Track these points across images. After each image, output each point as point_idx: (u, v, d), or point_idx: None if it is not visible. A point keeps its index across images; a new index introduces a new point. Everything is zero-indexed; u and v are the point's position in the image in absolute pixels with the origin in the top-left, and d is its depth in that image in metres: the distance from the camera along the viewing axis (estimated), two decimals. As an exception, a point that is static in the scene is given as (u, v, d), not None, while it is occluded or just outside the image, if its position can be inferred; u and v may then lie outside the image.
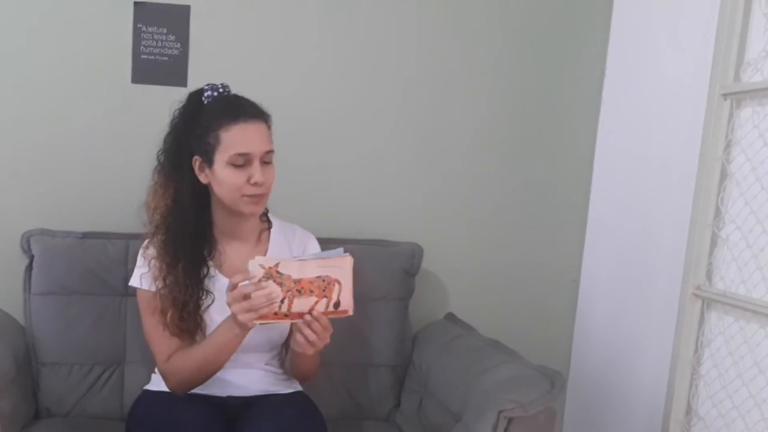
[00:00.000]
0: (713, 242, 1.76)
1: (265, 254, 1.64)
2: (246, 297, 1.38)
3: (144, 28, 1.97)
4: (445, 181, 2.17)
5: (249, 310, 1.37)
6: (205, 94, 1.55)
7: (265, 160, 1.52)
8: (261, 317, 1.38)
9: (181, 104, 1.57)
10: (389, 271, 2.00)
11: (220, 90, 1.56)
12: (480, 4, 2.13)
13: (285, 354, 1.70)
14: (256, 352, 1.61)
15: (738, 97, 1.71)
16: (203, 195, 1.57)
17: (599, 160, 2.21)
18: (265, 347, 1.64)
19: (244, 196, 1.51)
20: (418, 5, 2.10)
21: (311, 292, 1.39)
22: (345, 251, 1.42)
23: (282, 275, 1.37)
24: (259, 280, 1.37)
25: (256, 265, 1.37)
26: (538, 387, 1.56)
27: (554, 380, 1.58)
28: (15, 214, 1.93)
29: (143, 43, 1.97)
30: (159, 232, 1.55)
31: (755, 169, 1.65)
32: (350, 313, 1.42)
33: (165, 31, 1.98)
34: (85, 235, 1.88)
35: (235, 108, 1.52)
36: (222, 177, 1.50)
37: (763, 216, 1.62)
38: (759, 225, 1.63)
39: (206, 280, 1.57)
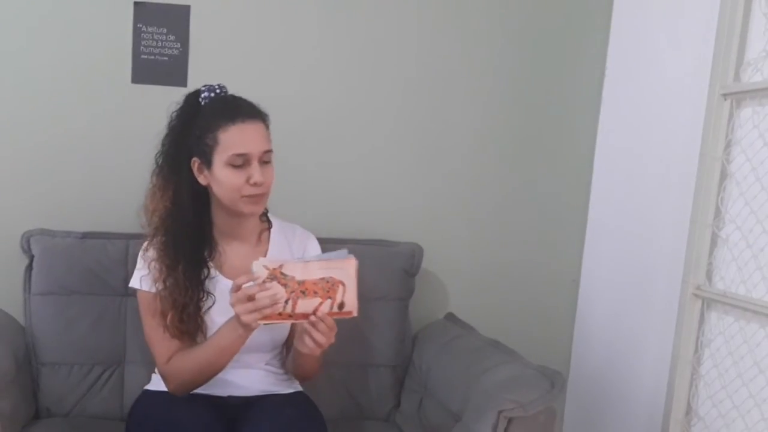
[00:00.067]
0: (713, 242, 1.76)
1: (265, 254, 1.64)
2: (250, 298, 1.37)
3: (144, 28, 1.97)
4: (445, 181, 2.17)
5: (253, 311, 1.37)
6: (202, 95, 1.55)
7: (264, 160, 1.52)
8: (265, 318, 1.38)
9: (178, 106, 1.57)
10: (389, 271, 2.00)
11: (217, 91, 1.55)
12: (480, 4, 2.13)
13: (286, 354, 1.70)
14: (256, 353, 1.61)
15: (738, 97, 1.71)
16: (202, 196, 1.56)
17: (599, 160, 2.21)
18: (266, 347, 1.64)
19: (243, 196, 1.50)
20: (418, 5, 2.10)
21: (315, 293, 1.39)
22: (349, 252, 1.42)
23: (286, 276, 1.38)
24: (263, 281, 1.37)
25: (260, 267, 1.38)
26: (538, 387, 1.56)
27: (554, 380, 1.58)
28: (15, 214, 1.93)
29: (143, 43, 1.97)
30: (158, 234, 1.55)
31: (755, 169, 1.65)
32: (355, 314, 1.42)
33: (165, 31, 1.98)
34: (85, 235, 1.88)
35: (233, 108, 1.51)
36: (221, 178, 1.50)
37: (763, 216, 1.62)
38: (759, 225, 1.63)
39: (207, 282, 1.57)
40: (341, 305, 1.40)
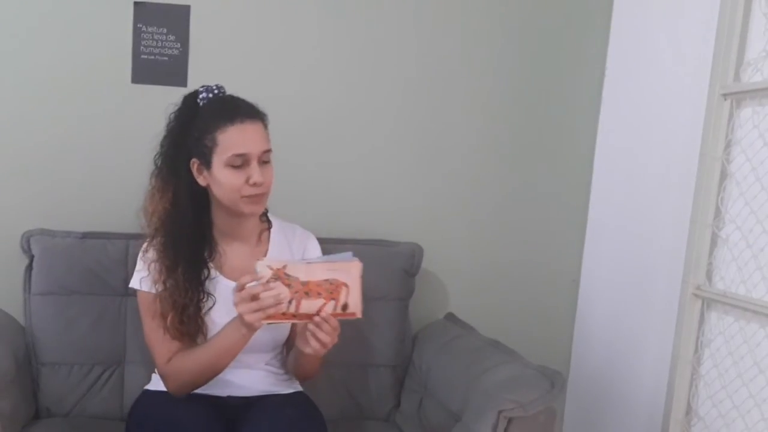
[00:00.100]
0: (713, 242, 1.76)
1: (265, 254, 1.64)
2: (254, 298, 1.37)
3: (144, 28, 1.97)
4: (445, 181, 2.17)
5: (257, 311, 1.37)
6: (200, 96, 1.54)
7: (264, 160, 1.51)
8: (268, 317, 1.38)
9: (176, 107, 1.56)
10: (389, 271, 2.00)
11: (215, 91, 1.55)
12: (480, 4, 2.13)
13: (286, 354, 1.70)
14: (257, 353, 1.61)
15: (738, 97, 1.71)
16: (202, 197, 1.56)
17: (599, 160, 2.21)
18: (266, 347, 1.64)
19: (243, 196, 1.50)
20: (417, 5, 2.10)
21: (319, 294, 1.39)
22: (354, 255, 1.42)
23: (290, 277, 1.38)
24: (267, 281, 1.37)
25: (264, 266, 1.38)
26: (538, 387, 1.56)
27: (554, 380, 1.58)
28: (15, 214, 1.93)
29: (143, 43, 1.97)
30: (158, 236, 1.55)
31: (755, 169, 1.65)
32: (359, 315, 1.42)
33: (165, 31, 1.98)
34: (85, 235, 1.88)
35: (231, 109, 1.51)
36: (221, 179, 1.49)
37: (763, 216, 1.62)
38: (759, 225, 1.63)
39: (207, 282, 1.56)
40: (345, 306, 1.40)
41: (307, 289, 1.38)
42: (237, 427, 1.52)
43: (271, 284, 1.37)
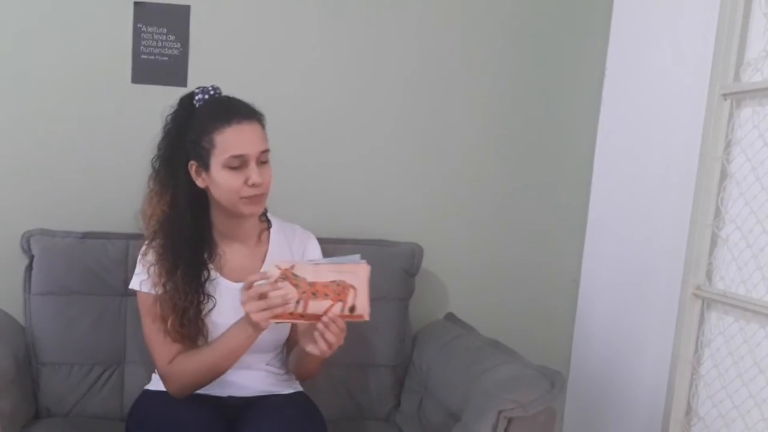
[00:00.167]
0: (713, 242, 1.76)
1: (265, 255, 1.64)
2: (261, 297, 1.38)
3: (144, 28, 1.97)
4: (445, 181, 2.17)
5: (264, 310, 1.37)
6: (196, 98, 1.53)
7: (262, 160, 1.51)
8: (275, 317, 1.39)
9: (172, 109, 1.56)
10: (389, 271, 2.00)
11: (211, 92, 1.54)
12: (480, 4, 2.13)
13: (287, 353, 1.70)
14: (257, 353, 1.61)
15: (738, 97, 1.71)
16: (201, 199, 1.55)
17: (599, 160, 2.21)
18: (267, 348, 1.63)
19: (242, 197, 1.50)
20: (418, 5, 2.10)
21: (326, 295, 1.39)
22: (362, 258, 1.41)
23: (297, 277, 1.38)
24: (275, 281, 1.37)
25: (272, 266, 1.38)
26: (538, 387, 1.56)
27: (554, 380, 1.58)
28: (15, 214, 1.93)
29: (143, 43, 1.97)
30: (157, 238, 1.55)
31: (755, 169, 1.65)
32: (366, 318, 1.42)
33: (165, 31, 1.98)
34: (85, 235, 1.88)
35: (228, 110, 1.50)
36: (219, 180, 1.49)
37: (763, 216, 1.62)
38: (759, 225, 1.63)
39: (207, 284, 1.56)
40: (352, 308, 1.40)
41: (314, 290, 1.39)
42: (237, 427, 1.52)
43: (279, 284, 1.37)
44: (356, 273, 1.40)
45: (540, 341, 2.17)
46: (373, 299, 1.40)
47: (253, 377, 1.63)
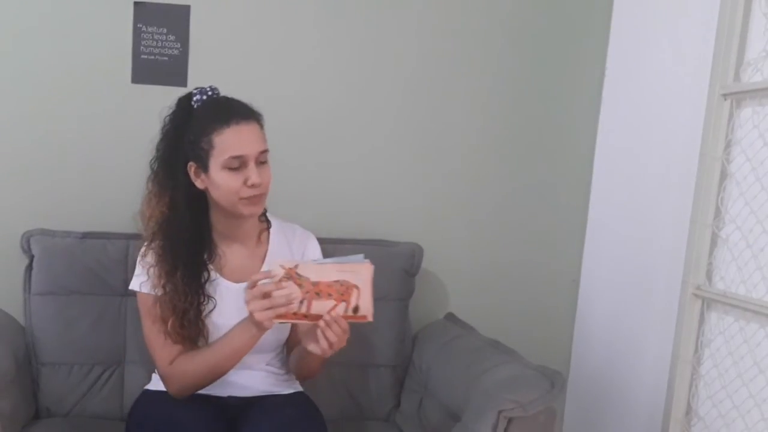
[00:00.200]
0: (713, 242, 1.76)
1: (265, 255, 1.63)
2: (265, 296, 1.37)
3: (144, 28, 1.97)
4: (445, 181, 2.17)
5: (268, 309, 1.37)
6: (194, 99, 1.53)
7: (261, 160, 1.50)
8: (279, 317, 1.39)
9: (170, 110, 1.55)
10: (389, 271, 1.99)
11: (209, 93, 1.53)
12: (480, 4, 2.13)
13: (287, 353, 1.70)
14: (258, 353, 1.60)
15: (738, 97, 1.71)
16: (200, 200, 1.55)
17: (599, 160, 2.21)
18: (267, 348, 1.63)
19: (242, 198, 1.49)
20: (417, 5, 2.10)
21: (329, 295, 1.39)
22: (365, 257, 1.41)
23: (301, 277, 1.38)
24: (279, 280, 1.37)
25: (276, 265, 1.38)
26: (538, 387, 1.56)
27: (554, 380, 1.58)
28: (15, 214, 1.93)
29: (143, 43, 1.97)
30: (156, 240, 1.54)
31: (755, 169, 1.65)
32: (370, 319, 1.42)
33: (165, 31, 1.98)
34: (85, 235, 1.88)
35: (226, 110, 1.50)
36: (219, 181, 1.48)
37: (763, 216, 1.62)
38: (759, 225, 1.63)
39: (207, 285, 1.56)
40: (356, 309, 1.40)
41: (318, 290, 1.38)
42: (237, 427, 1.52)
43: (284, 283, 1.37)
44: (360, 272, 1.39)
45: (540, 341, 2.17)
46: (374, 299, 1.40)
47: (254, 377, 1.63)
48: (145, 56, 1.98)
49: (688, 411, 1.82)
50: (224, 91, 1.56)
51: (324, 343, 1.40)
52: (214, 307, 1.56)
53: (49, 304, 1.83)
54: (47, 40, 1.93)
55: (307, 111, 2.07)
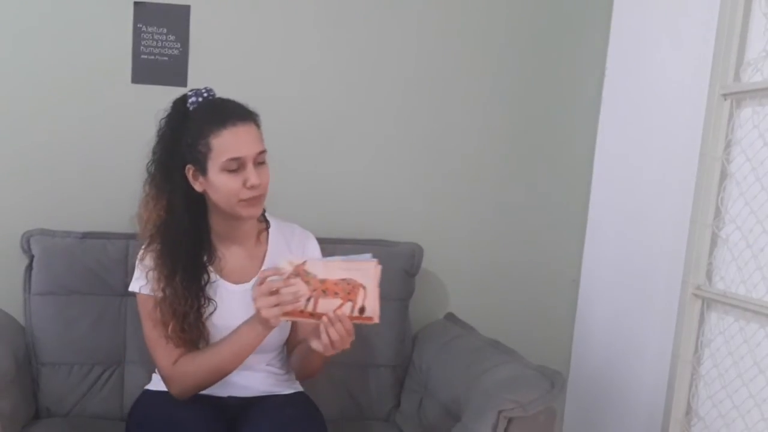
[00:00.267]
0: (713, 242, 1.76)
1: (264, 255, 1.63)
2: (273, 293, 1.37)
3: (144, 28, 1.97)
4: (445, 181, 2.17)
5: (275, 305, 1.37)
6: (190, 101, 1.51)
7: (259, 161, 1.50)
8: (286, 314, 1.38)
9: (166, 113, 1.54)
10: (389, 271, 1.97)
11: (205, 95, 1.52)
12: (480, 4, 2.13)
13: (289, 352, 1.70)
14: (258, 353, 1.59)
15: (738, 97, 1.71)
16: (198, 203, 1.54)
17: (599, 160, 2.21)
18: (268, 348, 1.62)
19: (241, 200, 1.48)
20: (418, 6, 2.10)
21: (336, 294, 1.39)
22: (373, 256, 1.41)
23: (308, 274, 1.38)
24: (288, 277, 1.37)
25: (285, 262, 1.38)
26: (538, 387, 1.56)
27: (554, 380, 1.58)
28: (15, 214, 1.93)
29: (143, 43, 1.97)
30: (154, 243, 1.54)
31: (755, 169, 1.65)
32: (376, 320, 1.41)
33: (165, 31, 1.98)
34: (85, 235, 1.88)
35: (222, 112, 1.49)
36: (218, 184, 1.48)
37: (763, 216, 1.62)
38: (759, 225, 1.63)
39: (207, 287, 1.55)
40: (362, 309, 1.40)
41: (325, 288, 1.38)
42: (237, 427, 1.52)
43: (292, 280, 1.37)
44: (367, 271, 1.39)
45: (540, 341, 2.17)
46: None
47: (254, 377, 1.63)
48: (145, 56, 1.98)
49: (688, 411, 1.82)
50: (224, 91, 1.56)
51: (326, 340, 1.40)
52: (215, 309, 1.55)
53: (49, 304, 1.83)
54: (47, 40, 1.93)
55: (307, 111, 2.07)
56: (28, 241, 1.85)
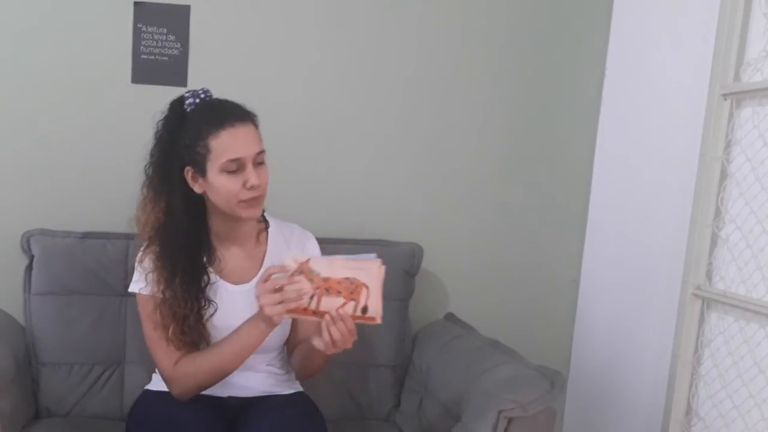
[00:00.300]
0: (713, 242, 1.76)
1: (263, 256, 1.63)
2: (277, 290, 1.37)
3: (144, 28, 1.97)
4: (445, 181, 2.17)
5: (279, 303, 1.37)
6: (187, 102, 1.51)
7: (258, 161, 1.49)
8: (288, 311, 1.38)
9: (163, 115, 1.53)
10: (389, 271, 1.95)
11: (202, 96, 1.51)
12: (480, 5, 2.13)
13: (289, 351, 1.69)
14: (258, 353, 1.59)
15: (738, 97, 1.71)
16: (197, 204, 1.53)
17: (599, 160, 2.21)
18: (268, 348, 1.62)
19: (241, 201, 1.48)
20: (418, 6, 2.09)
21: (339, 292, 1.39)
22: (377, 256, 1.41)
23: (312, 272, 1.38)
24: (292, 274, 1.37)
25: (290, 259, 1.38)
26: (538, 387, 1.56)
27: (554, 380, 1.58)
28: (15, 214, 1.93)
29: (143, 43, 1.97)
30: (153, 245, 1.53)
31: (755, 169, 1.65)
32: (378, 321, 1.41)
33: (165, 31, 1.98)
34: (85, 235, 1.88)
35: (220, 113, 1.48)
36: (217, 185, 1.47)
37: (763, 216, 1.62)
38: (759, 225, 1.63)
39: (207, 289, 1.55)
40: (365, 309, 1.39)
41: (328, 286, 1.38)
42: (237, 427, 1.52)
43: (296, 278, 1.37)
44: (370, 271, 1.39)
45: (540, 341, 2.17)
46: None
47: (254, 378, 1.63)
48: (145, 56, 1.98)
49: (688, 411, 1.82)
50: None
51: (327, 338, 1.39)
52: (215, 311, 1.55)
53: (49, 304, 1.83)
54: (47, 41, 1.93)
55: (307, 110, 2.07)
56: (28, 241, 1.85)
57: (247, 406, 1.58)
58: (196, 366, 1.51)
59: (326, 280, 1.38)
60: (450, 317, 2.11)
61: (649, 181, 1.99)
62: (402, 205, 2.15)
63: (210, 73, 1.99)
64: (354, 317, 1.40)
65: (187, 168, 1.49)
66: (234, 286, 1.59)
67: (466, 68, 2.14)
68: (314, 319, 1.41)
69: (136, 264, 1.57)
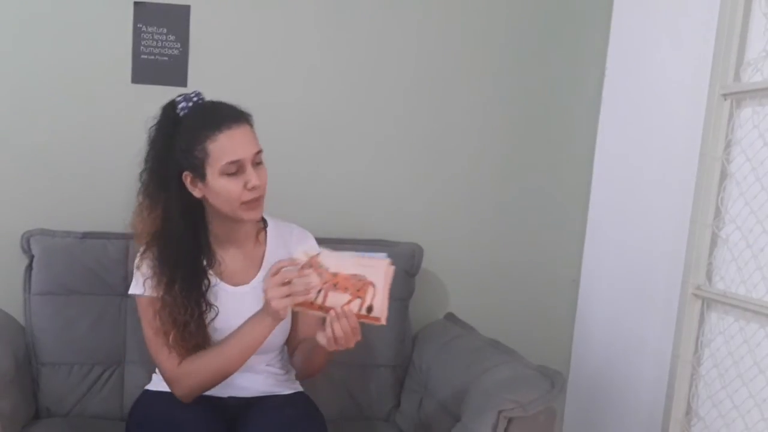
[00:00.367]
0: (713, 242, 1.76)
1: (263, 256, 1.63)
2: (286, 284, 1.37)
3: (144, 28, 1.97)
4: (445, 181, 2.17)
5: (286, 296, 1.37)
6: (180, 106, 1.49)
7: (256, 161, 1.48)
8: (296, 305, 1.38)
9: (155, 120, 1.51)
10: (389, 271, 1.99)
11: (195, 99, 1.50)
12: (480, 5, 2.13)
13: (290, 353, 1.69)
14: (259, 354, 1.59)
15: (738, 97, 1.71)
16: (194, 208, 1.53)
17: (599, 160, 2.21)
18: (268, 348, 1.62)
19: (243, 203, 1.47)
20: (418, 7, 2.10)
21: (346, 288, 1.38)
22: (387, 256, 1.40)
23: (321, 266, 1.38)
24: (302, 268, 1.37)
25: (300, 252, 1.39)
26: (538, 387, 1.56)
27: (554, 380, 1.58)
28: (15, 214, 1.93)
29: (143, 43, 1.97)
30: (150, 250, 1.52)
31: (755, 169, 1.65)
32: (383, 322, 1.39)
33: (165, 31, 1.98)
34: (85, 235, 1.88)
35: (215, 116, 1.47)
36: (218, 188, 1.46)
37: (763, 216, 1.62)
38: (759, 225, 1.63)
39: (208, 292, 1.54)
40: (370, 308, 1.38)
41: (336, 281, 1.38)
42: (237, 427, 1.52)
43: (306, 271, 1.37)
44: (378, 269, 1.38)
45: (540, 341, 2.17)
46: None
47: (254, 378, 1.63)
48: (145, 56, 1.98)
49: (688, 411, 1.82)
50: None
51: (330, 334, 1.38)
52: (216, 314, 1.54)
53: (48, 304, 1.83)
54: (47, 40, 1.93)
55: (307, 111, 2.07)
56: (28, 241, 1.85)
57: (247, 407, 1.58)
58: (199, 366, 1.51)
59: (335, 275, 1.38)
60: (450, 317, 2.11)
61: (649, 181, 1.99)
62: (402, 205, 2.15)
63: (210, 73, 1.99)
64: (359, 316, 1.39)
65: (185, 173, 1.48)
66: (234, 287, 1.58)
67: (466, 68, 2.14)
68: (319, 313, 1.40)
69: (134, 270, 1.56)
